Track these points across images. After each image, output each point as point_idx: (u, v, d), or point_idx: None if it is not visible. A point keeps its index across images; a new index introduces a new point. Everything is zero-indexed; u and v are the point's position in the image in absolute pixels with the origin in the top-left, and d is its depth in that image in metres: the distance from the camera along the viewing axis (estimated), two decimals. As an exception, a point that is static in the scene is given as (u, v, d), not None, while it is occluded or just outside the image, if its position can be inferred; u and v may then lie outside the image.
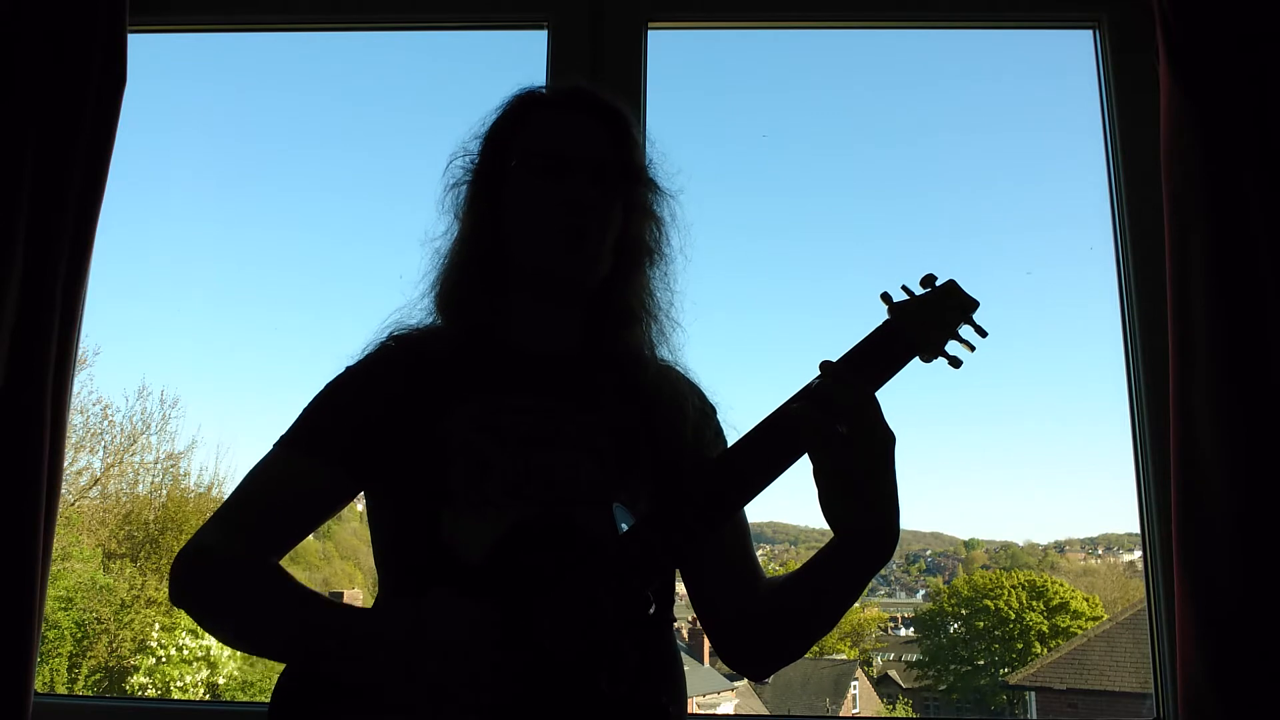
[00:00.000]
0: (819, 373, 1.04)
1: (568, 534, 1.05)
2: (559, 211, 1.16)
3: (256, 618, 1.07)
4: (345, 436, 1.15)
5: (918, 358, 1.06)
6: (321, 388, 1.20)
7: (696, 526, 1.02)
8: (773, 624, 1.16)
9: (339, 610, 1.06)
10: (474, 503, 1.09)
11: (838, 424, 0.99)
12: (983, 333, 1.08)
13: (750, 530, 1.25)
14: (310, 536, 1.21)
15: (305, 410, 1.19)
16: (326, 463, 1.15)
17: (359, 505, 1.23)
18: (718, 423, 1.28)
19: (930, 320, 1.06)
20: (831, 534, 1.07)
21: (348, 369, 1.21)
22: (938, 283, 1.08)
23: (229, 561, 1.10)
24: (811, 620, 1.14)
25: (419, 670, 0.93)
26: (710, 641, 1.23)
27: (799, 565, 1.18)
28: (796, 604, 1.14)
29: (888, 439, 1.01)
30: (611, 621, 1.00)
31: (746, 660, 1.21)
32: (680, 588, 1.25)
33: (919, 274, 1.09)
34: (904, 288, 1.08)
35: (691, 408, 1.24)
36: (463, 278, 1.22)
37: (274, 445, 1.17)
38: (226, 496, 1.18)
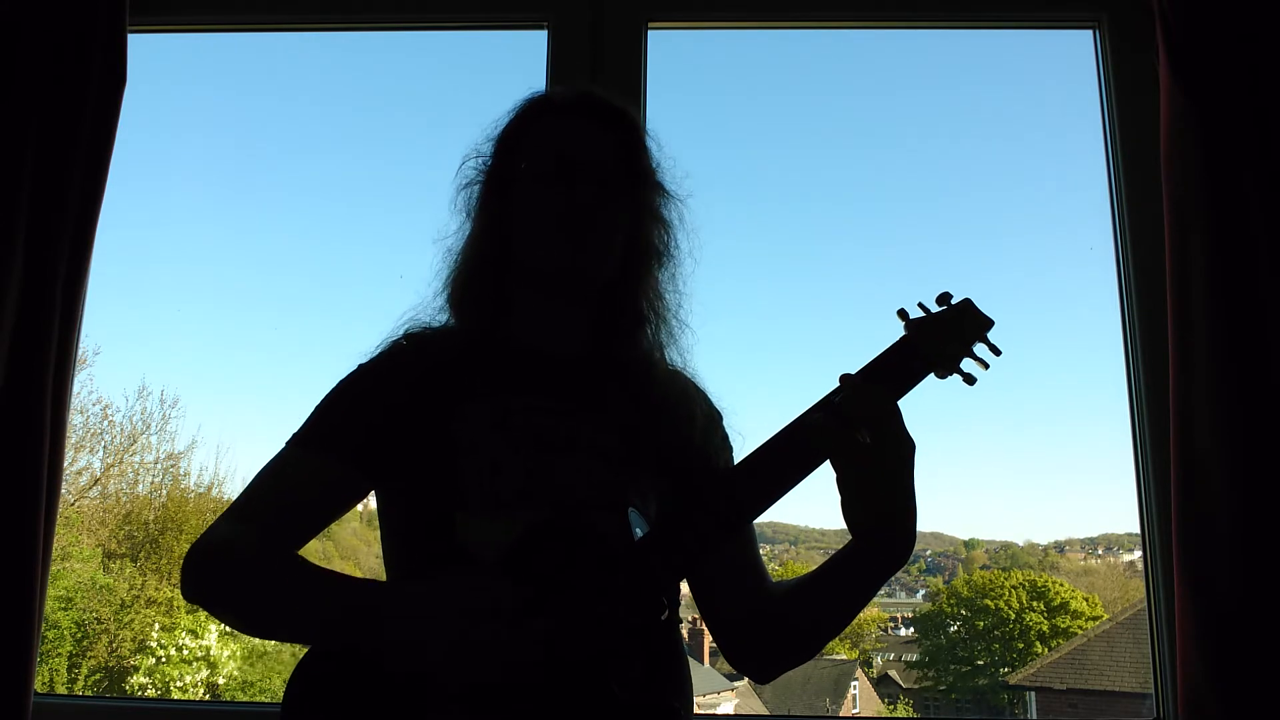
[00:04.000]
0: (838, 384, 1.05)
1: (580, 537, 1.05)
2: (563, 211, 1.17)
3: (277, 603, 1.06)
4: (358, 434, 1.16)
5: (933, 374, 1.08)
6: (334, 385, 1.21)
7: (714, 533, 1.03)
8: (786, 626, 1.17)
9: (362, 583, 1.05)
10: (486, 504, 1.09)
11: (858, 434, 1.01)
12: (997, 351, 1.09)
13: (756, 533, 1.25)
14: (310, 537, 1.21)
15: (318, 407, 1.19)
16: (339, 460, 1.15)
17: (360, 505, 1.23)
18: (724, 427, 1.29)
19: (946, 337, 1.08)
20: (829, 534, 1.08)
21: (360, 366, 1.22)
22: (954, 300, 1.09)
23: (244, 553, 1.09)
24: (825, 623, 1.15)
25: (446, 631, 0.94)
26: (717, 643, 1.23)
27: (800, 566, 1.18)
28: (812, 606, 1.15)
29: (908, 447, 1.04)
30: (625, 625, 1.00)
31: (755, 662, 1.21)
32: (684, 588, 1.25)
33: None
34: (920, 305, 1.09)
35: (700, 412, 1.25)
36: (473, 278, 1.23)
37: (286, 442, 1.17)
38: (236, 494, 1.17)
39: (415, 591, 0.99)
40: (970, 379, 1.08)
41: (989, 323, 1.09)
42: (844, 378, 1.05)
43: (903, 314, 1.09)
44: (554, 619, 0.97)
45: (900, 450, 1.03)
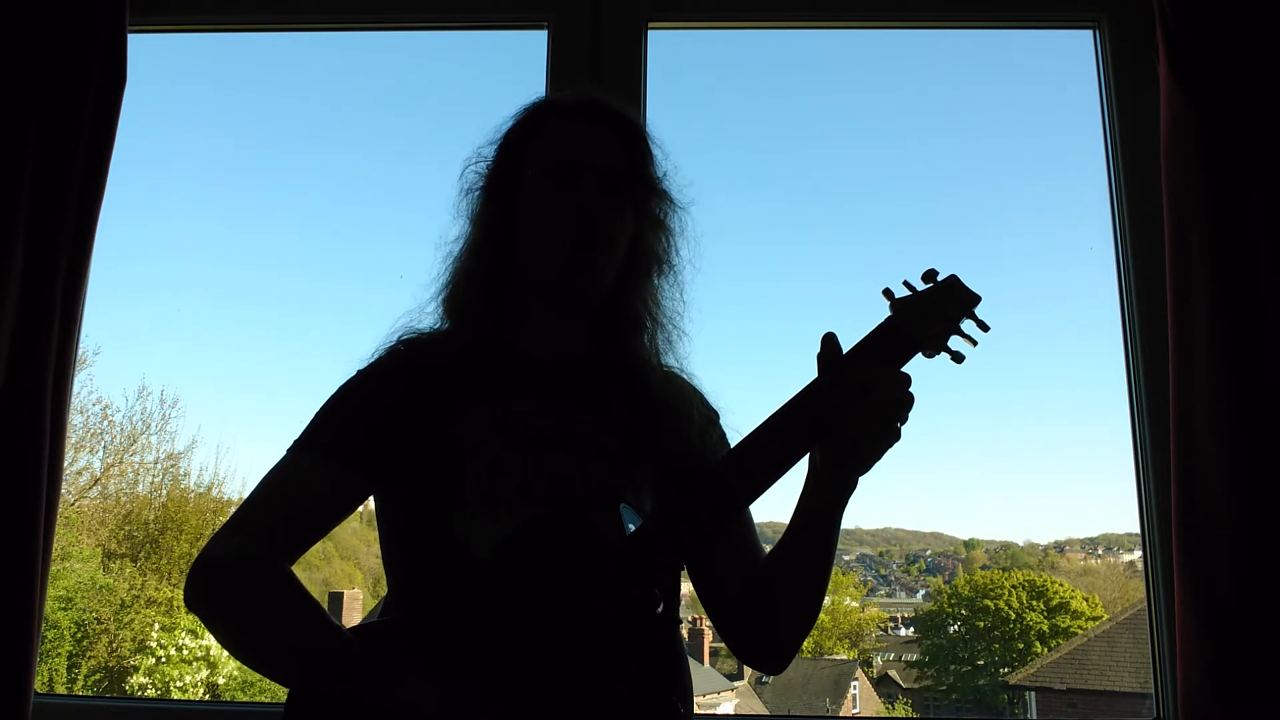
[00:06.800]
0: (820, 369, 1.06)
1: (576, 533, 1.05)
2: (569, 219, 1.17)
3: (268, 635, 1.06)
4: (358, 439, 1.16)
5: (920, 353, 1.07)
6: (333, 391, 1.21)
7: (706, 524, 1.03)
8: (774, 592, 1.16)
9: (347, 648, 1.04)
10: (484, 503, 1.10)
11: (853, 398, 1.03)
12: (985, 327, 1.09)
13: (757, 528, 1.25)
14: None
15: (318, 414, 1.19)
16: (340, 466, 1.15)
17: (361, 506, 1.23)
18: (721, 428, 1.29)
19: (932, 315, 1.07)
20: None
21: (359, 372, 1.22)
22: (939, 278, 1.09)
23: (244, 571, 1.09)
24: (807, 575, 1.14)
25: None
26: (719, 632, 1.23)
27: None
28: (792, 560, 1.14)
29: (908, 405, 1.05)
30: (621, 621, 1.00)
31: (756, 643, 1.21)
32: (686, 587, 1.25)
33: (918, 274, 1.10)
34: (906, 283, 1.09)
35: (697, 412, 1.25)
36: (472, 284, 1.22)
37: (288, 449, 1.17)
38: (236, 494, 1.19)
39: (401, 685, 0.98)
40: (959, 357, 1.08)
41: (976, 299, 1.09)
42: (822, 357, 1.07)
43: (888, 293, 1.08)
44: (544, 645, 0.97)
45: (901, 409, 1.05)
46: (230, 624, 1.10)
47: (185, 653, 9.92)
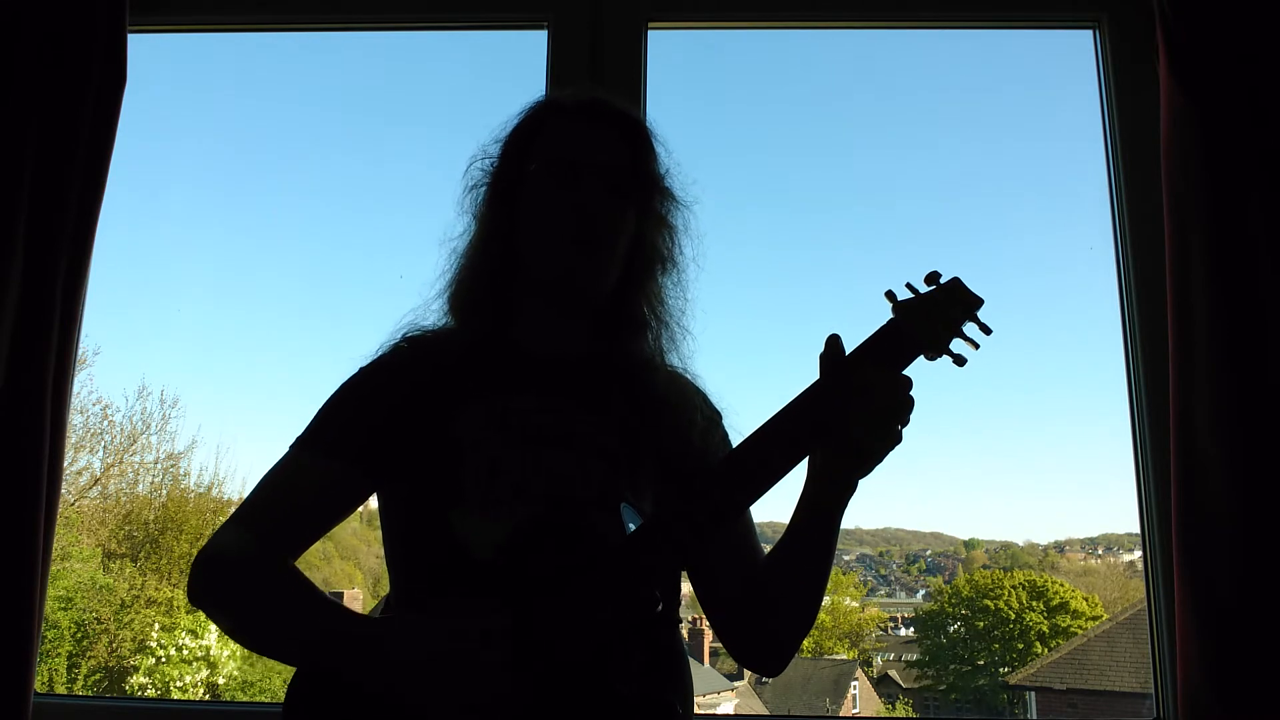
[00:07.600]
0: (820, 372, 1.06)
1: (576, 532, 1.05)
2: (571, 218, 1.17)
3: (274, 622, 1.08)
4: (360, 436, 1.16)
5: (922, 356, 1.07)
6: (336, 388, 1.21)
7: (706, 525, 1.02)
8: (771, 593, 1.16)
9: (354, 619, 1.06)
10: (484, 502, 1.10)
11: (855, 400, 1.02)
12: (987, 330, 1.08)
13: (757, 529, 1.25)
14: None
15: (320, 411, 1.20)
16: (342, 463, 1.16)
17: (362, 506, 1.23)
18: (724, 428, 1.29)
19: (935, 318, 1.07)
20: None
21: (361, 370, 1.22)
22: (942, 280, 1.09)
23: (247, 564, 1.10)
24: (804, 577, 1.14)
25: (432, 680, 0.95)
26: (724, 643, 1.23)
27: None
28: (789, 569, 1.14)
29: (909, 409, 1.05)
30: (620, 621, 1.00)
31: (759, 651, 1.21)
32: (686, 587, 1.25)
33: (918, 275, 1.10)
34: (908, 285, 1.09)
35: (699, 414, 1.25)
36: (476, 281, 1.23)
37: (290, 446, 1.18)
38: (236, 494, 1.19)
39: (405, 634, 0.99)
40: (960, 360, 1.08)
41: (978, 302, 1.08)
42: (825, 359, 1.06)
43: (890, 295, 1.08)
44: (542, 645, 0.97)
45: (902, 412, 1.04)
46: (232, 619, 1.11)
47: (185, 653, 9.92)
